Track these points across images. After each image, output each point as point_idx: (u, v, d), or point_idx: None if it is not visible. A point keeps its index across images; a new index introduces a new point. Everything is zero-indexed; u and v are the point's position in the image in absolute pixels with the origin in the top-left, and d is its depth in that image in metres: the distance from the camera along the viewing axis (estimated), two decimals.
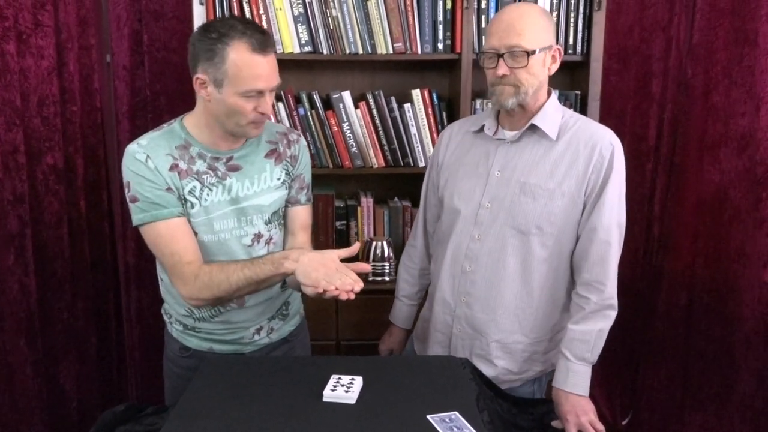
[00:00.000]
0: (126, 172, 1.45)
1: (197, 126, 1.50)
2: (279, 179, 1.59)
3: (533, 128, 1.53)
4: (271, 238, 1.60)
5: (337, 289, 1.32)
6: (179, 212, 1.46)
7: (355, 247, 1.46)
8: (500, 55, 1.45)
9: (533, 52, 1.44)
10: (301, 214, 1.66)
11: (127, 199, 1.47)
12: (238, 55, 1.36)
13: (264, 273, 1.42)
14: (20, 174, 2.11)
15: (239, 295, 1.49)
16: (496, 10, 2.20)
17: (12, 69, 2.04)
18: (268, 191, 1.57)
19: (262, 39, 1.38)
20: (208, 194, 1.49)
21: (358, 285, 1.35)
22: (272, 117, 2.14)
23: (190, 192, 1.48)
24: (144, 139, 1.48)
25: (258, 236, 1.56)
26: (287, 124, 2.26)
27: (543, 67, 1.49)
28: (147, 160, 1.44)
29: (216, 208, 1.50)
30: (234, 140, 1.52)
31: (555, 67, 1.52)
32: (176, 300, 1.60)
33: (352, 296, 1.34)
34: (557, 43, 1.59)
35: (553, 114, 1.54)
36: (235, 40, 1.36)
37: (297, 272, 1.37)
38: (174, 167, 1.46)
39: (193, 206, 1.49)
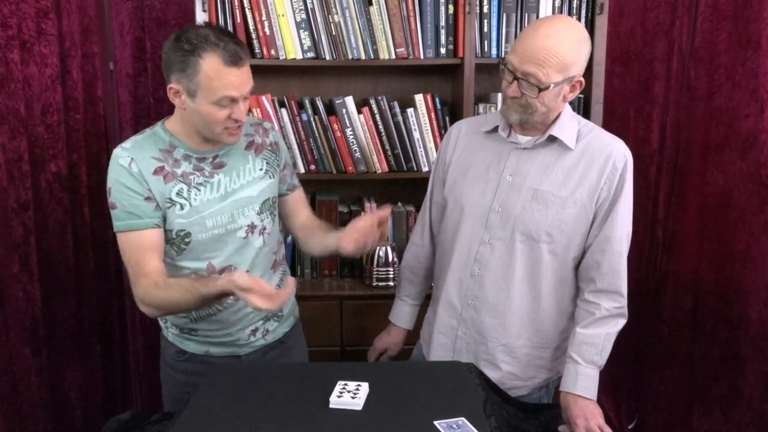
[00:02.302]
0: (109, 178, 1.48)
1: (180, 129, 1.52)
2: (261, 169, 1.61)
3: (551, 138, 1.52)
4: (264, 228, 1.62)
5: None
6: (154, 224, 1.48)
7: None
8: (516, 77, 1.42)
9: (546, 88, 1.40)
10: (299, 195, 1.76)
11: (109, 205, 1.49)
12: (210, 67, 1.38)
13: (204, 291, 1.39)
14: (25, 182, 2.11)
15: (186, 310, 1.53)
16: (499, 14, 2.21)
17: (16, 77, 2.05)
18: (254, 182, 1.59)
19: (235, 50, 1.39)
20: (196, 194, 1.52)
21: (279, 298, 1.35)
22: (275, 123, 2.14)
23: (178, 194, 1.50)
24: (128, 143, 1.51)
25: (252, 227, 1.59)
26: (290, 130, 2.26)
27: (557, 98, 1.45)
28: (131, 164, 1.46)
29: (207, 206, 1.53)
30: (215, 142, 1.54)
31: (572, 96, 1.48)
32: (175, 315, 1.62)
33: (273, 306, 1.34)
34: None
35: (569, 123, 1.53)
36: (208, 53, 1.37)
37: (234, 287, 1.33)
38: (159, 170, 1.49)
39: (182, 207, 1.50)
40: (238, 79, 1.41)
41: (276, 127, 1.71)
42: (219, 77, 1.38)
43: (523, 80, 1.41)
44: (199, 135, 1.50)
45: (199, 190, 1.52)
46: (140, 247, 1.48)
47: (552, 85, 1.40)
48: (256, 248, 1.60)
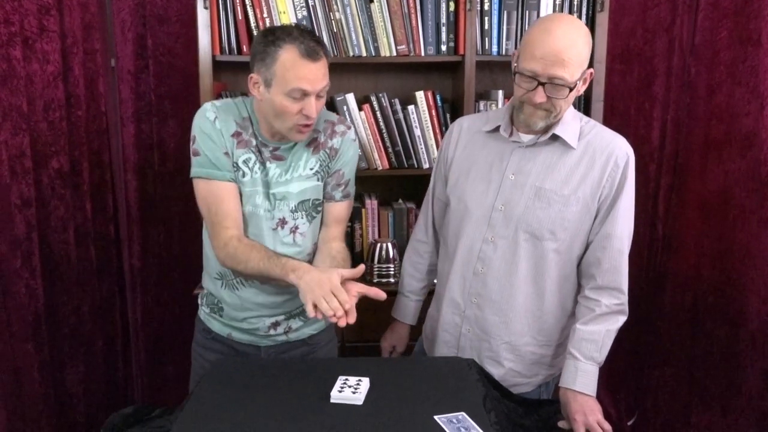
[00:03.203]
0: (194, 127, 1.56)
1: (257, 113, 1.58)
2: (312, 169, 1.62)
3: (553, 136, 1.52)
4: (297, 227, 1.62)
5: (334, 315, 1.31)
6: (231, 177, 1.56)
7: (359, 269, 1.43)
8: (541, 83, 1.42)
9: (574, 87, 1.42)
10: (335, 209, 1.68)
11: (191, 151, 1.57)
12: (288, 57, 1.44)
13: (274, 273, 1.47)
14: (27, 178, 2.12)
15: (253, 277, 1.58)
16: (500, 11, 2.21)
17: (18, 74, 2.06)
18: (298, 180, 1.60)
19: (314, 46, 1.45)
20: (253, 167, 1.57)
21: (351, 316, 1.33)
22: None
23: (245, 162, 1.57)
24: (219, 102, 1.60)
25: (282, 222, 1.61)
26: None
27: (576, 93, 1.47)
28: (215, 120, 1.55)
29: (256, 184, 1.58)
30: (282, 137, 1.58)
31: (584, 88, 1.51)
32: (209, 277, 1.69)
33: (342, 323, 1.32)
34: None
35: (571, 122, 1.53)
36: (288, 44, 1.44)
37: (299, 289, 1.39)
38: (236, 134, 1.56)
39: (244, 175, 1.57)
40: (312, 74, 1.46)
41: (353, 136, 1.66)
42: (294, 68, 1.44)
43: (549, 84, 1.41)
44: (269, 126, 1.56)
45: (255, 165, 1.58)
46: (220, 199, 1.55)
47: (577, 83, 1.43)
48: (285, 243, 1.61)
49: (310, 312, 1.33)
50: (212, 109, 1.56)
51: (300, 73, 1.44)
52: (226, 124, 1.55)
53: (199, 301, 1.78)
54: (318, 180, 1.62)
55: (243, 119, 1.58)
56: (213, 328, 1.72)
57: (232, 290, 1.65)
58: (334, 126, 1.64)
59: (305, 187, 1.61)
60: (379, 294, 1.41)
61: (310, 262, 1.65)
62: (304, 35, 1.46)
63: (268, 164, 1.59)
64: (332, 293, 1.33)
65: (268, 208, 1.59)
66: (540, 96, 1.43)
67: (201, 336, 1.75)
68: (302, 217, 1.62)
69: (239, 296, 1.64)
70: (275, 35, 1.46)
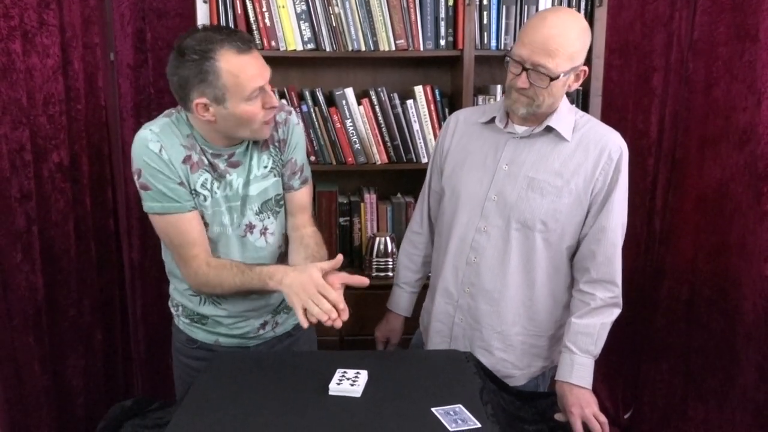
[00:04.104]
0: (137, 159, 1.43)
1: (202, 128, 1.46)
2: (266, 167, 1.55)
3: (548, 128, 1.53)
4: (266, 229, 1.58)
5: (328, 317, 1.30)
6: (191, 206, 1.47)
7: (338, 259, 1.40)
8: (525, 68, 1.43)
9: (556, 77, 1.42)
10: (297, 198, 1.62)
11: (137, 185, 1.46)
12: (229, 63, 1.34)
13: (252, 286, 1.44)
14: (27, 172, 2.12)
15: (235, 295, 1.53)
16: (498, 6, 2.21)
17: (18, 68, 2.06)
18: (256, 181, 1.54)
19: (242, 38, 1.36)
20: (216, 187, 1.49)
21: (344, 314, 1.32)
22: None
23: (203, 185, 1.48)
24: (155, 126, 1.45)
25: (250, 227, 1.55)
26: None
27: (563, 87, 1.47)
28: (161, 151, 1.42)
29: (223, 202, 1.51)
30: (235, 140, 1.50)
31: (576, 85, 1.51)
32: (183, 294, 1.62)
33: (338, 324, 1.32)
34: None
35: (566, 115, 1.54)
36: (219, 51, 1.33)
37: (284, 294, 1.37)
38: (187, 159, 1.45)
39: (206, 199, 1.49)
40: (259, 66, 1.38)
41: (295, 119, 1.59)
42: (242, 71, 1.34)
43: (533, 71, 1.42)
44: (224, 136, 1.46)
45: (219, 182, 1.49)
46: (183, 230, 1.46)
47: (562, 75, 1.42)
48: (257, 248, 1.57)
49: (303, 321, 1.31)
50: (153, 138, 1.41)
51: (249, 72, 1.35)
52: (173, 152, 1.42)
53: (174, 311, 1.70)
54: (275, 176, 1.57)
55: (186, 138, 1.45)
56: (197, 337, 1.65)
57: (215, 305, 1.59)
58: (274, 117, 1.52)
59: (264, 186, 1.55)
60: (363, 281, 1.39)
61: (284, 254, 1.63)
62: (223, 33, 1.35)
63: (227, 177, 1.50)
64: (320, 293, 1.32)
65: (235, 222, 1.53)
66: (522, 81, 1.44)
67: (184, 346, 1.68)
68: (269, 217, 1.58)
69: (224, 309, 1.60)
70: (201, 49, 1.33)
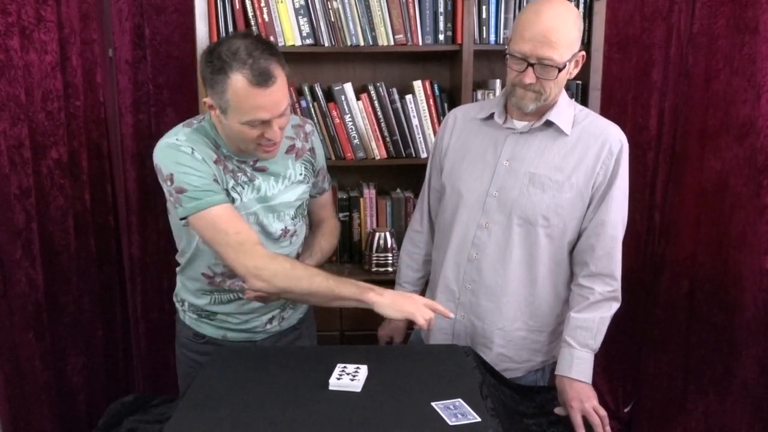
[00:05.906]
0: (167, 165, 1.41)
1: (222, 133, 1.49)
2: (301, 174, 1.61)
3: (547, 123, 1.53)
4: (295, 232, 1.63)
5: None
6: (230, 199, 1.47)
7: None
8: (530, 63, 1.43)
9: (563, 67, 1.43)
10: (325, 198, 1.77)
11: (170, 192, 1.42)
12: (239, 87, 1.32)
13: (346, 292, 1.40)
14: (26, 168, 2.12)
15: (305, 299, 1.54)
16: (497, 0, 2.20)
17: (16, 64, 2.06)
18: (292, 187, 1.59)
19: (265, 69, 1.32)
20: (241, 191, 1.50)
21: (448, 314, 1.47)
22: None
23: (233, 188, 1.49)
24: (181, 135, 1.44)
25: (285, 231, 1.59)
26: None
27: (566, 75, 1.48)
28: (193, 153, 1.42)
29: (247, 206, 1.51)
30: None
31: (576, 71, 1.51)
32: (192, 293, 1.63)
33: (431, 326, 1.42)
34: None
35: (566, 109, 1.54)
36: (235, 72, 1.32)
37: (382, 305, 1.38)
38: (218, 161, 1.46)
39: (234, 201, 1.49)
40: (269, 101, 1.35)
41: (314, 128, 1.68)
42: (248, 99, 1.33)
43: (539, 65, 1.42)
44: (235, 145, 1.48)
45: (243, 188, 1.50)
46: (234, 217, 1.42)
47: (567, 64, 1.43)
48: (282, 248, 1.59)
49: (424, 325, 1.38)
50: (185, 142, 1.42)
51: (255, 103, 1.33)
52: (204, 154, 1.44)
53: (179, 306, 1.70)
54: (306, 183, 1.63)
55: (213, 142, 1.47)
56: (205, 332, 1.66)
57: (226, 303, 1.62)
58: (303, 128, 1.63)
59: (299, 192, 1.61)
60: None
61: (299, 250, 1.68)
62: (252, 54, 1.32)
63: (257, 181, 1.51)
64: (424, 305, 1.41)
65: (265, 224, 1.54)
66: (530, 77, 1.44)
67: (190, 341, 1.68)
68: (299, 221, 1.64)
69: (235, 305, 1.62)
70: (221, 59, 1.32)
